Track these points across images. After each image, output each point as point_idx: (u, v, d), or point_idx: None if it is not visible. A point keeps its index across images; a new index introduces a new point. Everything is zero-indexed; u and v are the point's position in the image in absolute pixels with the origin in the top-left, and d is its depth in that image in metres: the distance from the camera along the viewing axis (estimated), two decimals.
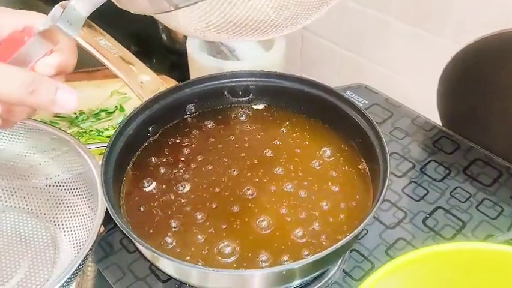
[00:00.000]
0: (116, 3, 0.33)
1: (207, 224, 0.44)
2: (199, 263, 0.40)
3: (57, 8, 0.32)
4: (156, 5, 0.29)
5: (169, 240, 0.43)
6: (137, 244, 0.40)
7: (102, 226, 0.48)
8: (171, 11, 0.29)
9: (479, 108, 0.61)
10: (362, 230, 0.41)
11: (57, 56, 0.34)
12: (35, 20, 0.33)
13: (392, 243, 0.51)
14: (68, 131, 0.60)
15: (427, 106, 0.65)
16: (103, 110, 0.70)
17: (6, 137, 0.56)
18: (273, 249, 0.42)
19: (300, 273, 0.40)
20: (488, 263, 0.37)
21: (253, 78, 0.53)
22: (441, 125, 0.65)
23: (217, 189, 0.47)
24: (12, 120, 0.35)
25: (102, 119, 0.70)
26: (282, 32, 0.35)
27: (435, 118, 0.65)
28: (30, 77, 0.32)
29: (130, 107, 0.70)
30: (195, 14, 0.30)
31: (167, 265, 0.40)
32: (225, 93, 0.54)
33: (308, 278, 0.44)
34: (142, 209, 0.46)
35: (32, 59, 0.33)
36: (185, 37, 0.69)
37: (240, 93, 0.54)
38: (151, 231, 0.44)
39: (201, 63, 0.63)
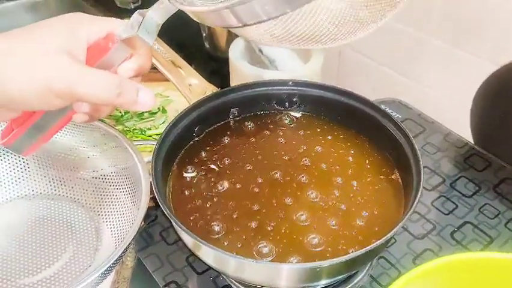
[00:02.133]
0: (191, 16, 0.36)
1: (246, 222, 0.47)
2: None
3: (135, 16, 0.36)
4: (226, 22, 0.32)
5: (209, 232, 0.46)
6: (181, 233, 0.43)
7: (142, 220, 0.51)
8: (239, 27, 0.32)
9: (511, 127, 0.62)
10: (391, 237, 0.43)
11: (136, 60, 0.37)
12: (116, 26, 0.36)
13: (419, 253, 0.53)
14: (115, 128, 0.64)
15: (460, 123, 0.66)
16: (146, 111, 0.74)
17: (61, 130, 0.60)
18: (306, 252, 0.45)
19: (329, 272, 0.42)
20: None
21: (294, 87, 0.56)
22: (473, 142, 0.66)
23: (254, 189, 0.50)
24: (97, 116, 0.39)
25: (145, 119, 0.73)
26: (340, 43, 0.38)
27: (467, 135, 0.66)
28: (117, 81, 0.35)
29: (171, 109, 0.73)
30: (260, 28, 0.33)
31: (208, 254, 0.42)
32: (267, 100, 0.57)
33: (336, 278, 0.46)
34: (185, 203, 0.49)
35: (115, 62, 0.36)
36: (227, 45, 0.72)
37: (281, 100, 0.57)
38: (192, 224, 0.47)
39: (242, 71, 0.66)
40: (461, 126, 0.66)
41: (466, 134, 0.66)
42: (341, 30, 0.35)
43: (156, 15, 0.36)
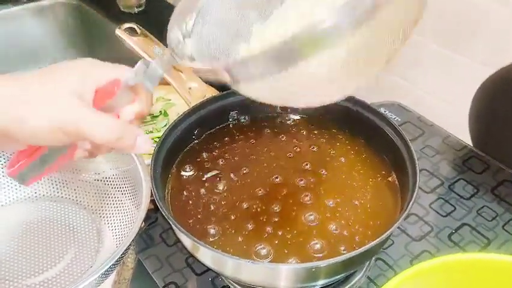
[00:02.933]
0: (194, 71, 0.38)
1: (244, 224, 0.48)
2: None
3: (140, 65, 0.39)
4: (221, 79, 0.35)
5: (207, 234, 0.47)
6: (179, 234, 0.43)
7: (143, 222, 0.52)
8: (231, 84, 0.35)
9: (510, 130, 0.62)
10: (387, 238, 0.43)
11: (138, 105, 0.40)
12: (123, 72, 0.40)
13: (417, 255, 0.53)
14: None
15: (458, 126, 0.67)
16: (148, 114, 0.74)
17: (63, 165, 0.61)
18: (303, 253, 0.45)
19: (326, 272, 0.43)
20: (506, 275, 0.38)
21: None
22: (471, 145, 0.66)
23: (254, 191, 0.51)
24: (96, 154, 0.42)
25: (147, 122, 0.74)
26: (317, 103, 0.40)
27: (466, 139, 0.67)
28: (120, 127, 0.38)
29: (173, 113, 0.74)
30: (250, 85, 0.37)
31: (206, 255, 0.43)
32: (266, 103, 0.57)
33: (334, 279, 0.47)
34: (184, 205, 0.49)
35: (119, 105, 0.39)
36: None
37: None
38: (191, 225, 0.48)
39: None
40: (460, 129, 0.67)
41: (465, 136, 0.67)
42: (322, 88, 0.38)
43: (159, 65, 0.39)
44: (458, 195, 0.59)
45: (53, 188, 0.61)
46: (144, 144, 0.40)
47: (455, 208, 0.58)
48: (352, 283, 0.50)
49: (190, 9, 0.41)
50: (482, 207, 0.58)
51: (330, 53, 0.33)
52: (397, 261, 0.53)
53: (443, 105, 0.69)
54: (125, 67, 0.40)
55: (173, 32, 0.40)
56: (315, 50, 0.33)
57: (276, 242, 0.46)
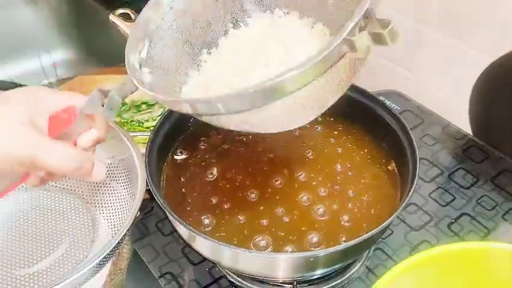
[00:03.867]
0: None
1: (242, 213, 0.47)
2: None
3: (96, 94, 0.38)
4: (182, 110, 0.36)
5: (204, 223, 0.46)
6: (175, 223, 0.43)
7: (138, 211, 0.51)
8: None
9: (510, 119, 0.61)
10: (387, 227, 0.43)
11: (95, 132, 0.40)
12: (76, 100, 0.39)
13: (416, 245, 0.53)
14: None
15: (458, 115, 0.66)
16: (143, 103, 0.73)
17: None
18: (302, 243, 0.44)
19: (324, 262, 0.43)
20: (505, 263, 0.38)
21: None
22: (471, 134, 0.65)
23: (250, 180, 0.50)
24: (48, 181, 0.42)
25: (143, 110, 0.73)
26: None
27: (466, 128, 0.66)
28: (78, 156, 0.37)
29: None
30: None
31: (202, 244, 0.42)
32: None
33: (332, 268, 0.46)
34: (180, 194, 0.49)
35: (75, 133, 0.39)
36: None
37: None
38: (187, 214, 0.47)
39: None
40: (460, 118, 0.66)
41: (465, 125, 0.66)
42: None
43: (118, 94, 0.38)
44: (458, 184, 0.59)
45: None
46: (100, 172, 0.40)
47: (454, 197, 0.57)
48: (351, 273, 0.50)
49: (142, 35, 0.41)
50: (482, 196, 0.57)
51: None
52: (396, 251, 0.52)
53: (443, 94, 0.68)
54: (79, 95, 0.40)
55: (130, 59, 0.39)
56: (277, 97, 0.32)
57: (273, 230, 0.45)
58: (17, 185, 0.40)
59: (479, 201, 0.57)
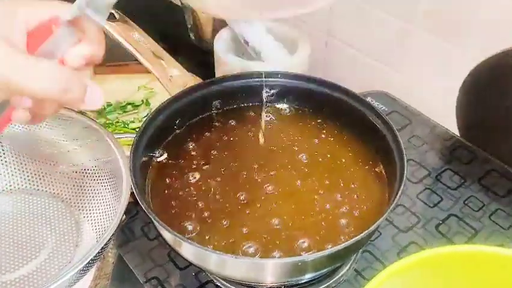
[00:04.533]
0: None
1: (227, 218, 0.46)
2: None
3: None
4: None
5: (189, 228, 0.45)
6: (160, 229, 0.42)
7: (124, 215, 0.50)
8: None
9: (498, 119, 0.61)
10: (375, 230, 0.42)
11: (87, 46, 0.33)
12: (60, 10, 0.32)
13: (404, 247, 0.52)
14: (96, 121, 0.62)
15: (446, 116, 0.66)
16: (129, 103, 0.73)
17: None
18: (289, 247, 0.44)
19: (313, 266, 0.42)
20: (494, 266, 0.38)
21: (278, 79, 0.55)
22: (459, 135, 0.66)
23: (236, 184, 0.49)
24: (42, 114, 0.36)
25: (128, 111, 0.72)
26: (308, 9, 0.35)
27: (453, 129, 0.66)
28: (65, 74, 0.31)
29: (155, 102, 0.72)
30: None
31: (188, 250, 0.41)
32: (251, 91, 0.56)
33: (320, 272, 0.46)
34: (165, 198, 0.48)
35: (60, 49, 0.33)
36: (213, 37, 0.71)
37: (265, 92, 0.56)
38: (172, 218, 0.46)
39: (227, 63, 0.65)
40: (447, 119, 0.66)
41: (452, 126, 0.66)
42: None
43: None
44: (445, 185, 0.59)
45: (29, 180, 0.59)
46: (96, 98, 0.33)
47: (442, 199, 0.57)
48: (339, 276, 0.49)
49: None
50: (469, 197, 0.57)
51: None
52: (384, 253, 0.52)
53: (431, 95, 0.68)
54: (62, 3, 0.33)
55: None
56: None
57: (261, 235, 0.45)
58: (4, 125, 0.34)
59: (466, 202, 0.57)
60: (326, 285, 0.48)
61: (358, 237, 0.39)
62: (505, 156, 0.61)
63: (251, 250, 0.43)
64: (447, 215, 0.55)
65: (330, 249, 0.39)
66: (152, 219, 0.40)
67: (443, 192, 0.58)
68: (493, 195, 0.58)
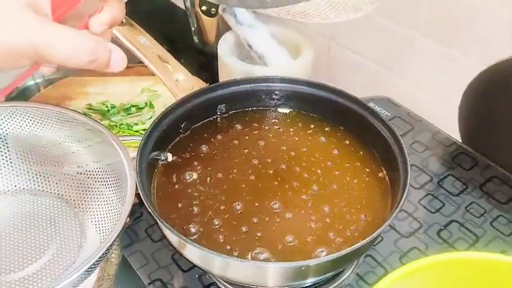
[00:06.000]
0: None
1: (231, 222, 0.47)
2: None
3: None
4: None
5: (193, 230, 0.45)
6: (165, 230, 0.42)
7: (128, 217, 0.51)
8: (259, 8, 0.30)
9: (500, 127, 0.62)
10: (378, 236, 0.43)
11: (109, 12, 0.34)
12: None
13: (406, 252, 0.53)
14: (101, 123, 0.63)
15: (448, 122, 0.66)
16: (133, 106, 0.73)
17: (43, 124, 0.59)
18: (289, 251, 0.44)
19: (315, 271, 0.42)
20: (498, 274, 0.38)
21: (283, 84, 0.56)
22: (460, 141, 0.66)
23: (241, 188, 0.50)
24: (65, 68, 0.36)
25: (132, 113, 0.72)
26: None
27: (455, 135, 0.67)
28: (92, 44, 0.32)
29: (159, 104, 0.72)
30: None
31: (192, 252, 0.42)
32: (255, 96, 0.56)
33: (323, 277, 0.46)
34: (170, 200, 0.48)
35: (84, 15, 0.33)
36: (216, 40, 0.71)
37: (270, 97, 0.57)
38: (176, 221, 0.46)
39: (231, 67, 0.65)
40: (449, 125, 0.66)
41: (454, 132, 0.66)
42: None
43: None
44: (447, 191, 0.59)
45: (34, 181, 0.59)
46: (119, 61, 0.34)
47: (444, 204, 0.58)
48: (341, 280, 0.49)
49: None
50: (471, 203, 0.58)
51: None
52: (386, 258, 0.52)
53: (434, 101, 0.69)
54: None
55: None
56: None
57: (265, 239, 0.45)
58: (31, 73, 0.35)
59: (467, 208, 0.57)
60: None
61: (361, 244, 0.40)
62: (507, 163, 0.61)
63: (257, 253, 0.43)
64: (448, 221, 0.56)
65: (333, 255, 0.39)
66: (157, 220, 0.41)
67: (445, 198, 0.58)
68: (495, 201, 0.58)
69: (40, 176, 0.59)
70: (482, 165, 0.62)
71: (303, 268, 0.39)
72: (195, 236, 0.45)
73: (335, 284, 0.49)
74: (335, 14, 0.43)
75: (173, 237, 0.42)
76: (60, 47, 0.30)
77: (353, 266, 0.51)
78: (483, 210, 0.57)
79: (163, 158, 0.51)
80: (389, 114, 0.68)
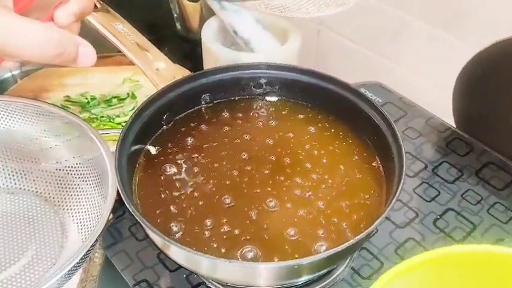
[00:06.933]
0: None
1: (218, 218, 0.44)
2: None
3: None
4: None
5: (177, 227, 0.43)
6: (148, 231, 0.40)
7: (111, 214, 0.48)
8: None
9: (495, 111, 0.60)
10: (373, 230, 0.41)
11: (76, 2, 0.33)
12: None
13: (402, 243, 0.51)
14: (80, 116, 0.60)
15: (441, 107, 0.64)
16: (114, 97, 0.70)
17: (18, 118, 0.56)
18: (281, 247, 0.42)
19: (308, 269, 0.40)
20: (500, 267, 0.37)
21: (269, 71, 0.53)
22: (455, 126, 0.64)
23: (228, 182, 0.47)
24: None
25: (113, 105, 0.69)
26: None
27: (449, 120, 0.65)
28: (56, 36, 0.30)
29: (141, 95, 0.70)
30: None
31: (177, 253, 0.39)
32: (241, 84, 0.53)
33: (316, 274, 0.44)
34: (153, 197, 0.46)
35: (49, 6, 0.32)
36: (200, 26, 0.69)
37: (256, 85, 0.54)
38: (160, 219, 0.44)
39: (215, 54, 0.63)
40: (443, 110, 0.64)
41: (449, 118, 0.65)
42: None
43: None
44: (442, 178, 0.57)
45: (10, 178, 0.56)
46: (89, 56, 0.33)
47: (439, 192, 0.56)
48: (335, 275, 0.48)
49: None
50: (467, 190, 0.56)
51: None
52: (382, 250, 0.50)
53: (427, 86, 0.67)
54: None
55: None
56: None
57: (255, 235, 0.43)
58: None
59: (464, 195, 0.55)
60: (322, 285, 0.47)
61: (356, 240, 0.38)
62: (503, 148, 0.59)
63: (246, 252, 0.41)
64: (444, 210, 0.54)
65: (326, 252, 0.37)
66: (140, 221, 0.38)
67: (440, 186, 0.56)
68: (491, 188, 0.56)
69: (17, 173, 0.56)
70: (477, 151, 0.60)
71: (296, 267, 0.37)
72: (179, 234, 0.43)
73: (329, 280, 0.47)
74: (316, 8, 0.41)
75: (156, 238, 0.40)
76: (23, 40, 0.29)
77: (347, 260, 0.49)
78: (479, 198, 0.55)
79: (144, 151, 0.48)
80: (380, 100, 0.65)
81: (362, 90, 0.65)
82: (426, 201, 0.55)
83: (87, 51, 0.33)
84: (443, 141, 0.61)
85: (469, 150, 0.60)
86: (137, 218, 0.38)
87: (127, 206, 0.39)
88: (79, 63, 0.33)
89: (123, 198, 0.40)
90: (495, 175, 0.57)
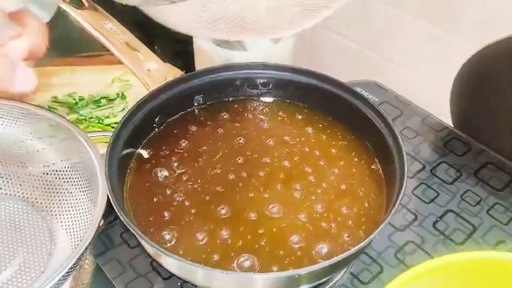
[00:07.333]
0: None
1: (213, 224, 0.43)
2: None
3: None
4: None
5: (171, 235, 0.41)
6: (141, 240, 0.38)
7: (101, 219, 0.47)
8: (164, 4, 0.28)
9: (493, 111, 0.59)
10: (374, 237, 0.39)
11: (27, 40, 0.32)
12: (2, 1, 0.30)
13: (402, 246, 0.50)
14: (67, 118, 0.58)
15: (438, 106, 0.63)
16: (103, 97, 0.68)
17: (3, 121, 0.54)
18: (280, 255, 0.41)
19: (308, 278, 0.39)
20: (506, 273, 0.36)
21: (263, 71, 0.52)
22: (452, 125, 0.63)
23: (223, 187, 0.46)
24: None
25: (102, 106, 0.67)
26: (280, 34, 0.34)
27: (447, 119, 0.64)
28: None
29: (131, 95, 0.68)
30: (186, 10, 0.29)
31: (171, 263, 0.38)
32: (235, 85, 0.52)
33: (316, 283, 0.43)
34: (145, 203, 0.44)
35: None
36: None
37: (250, 85, 0.52)
38: (152, 227, 0.42)
39: (208, 53, 0.61)
40: (440, 109, 0.63)
41: (446, 117, 0.64)
42: (277, 16, 0.31)
43: None
44: (441, 179, 0.56)
45: None
46: (27, 79, 0.32)
47: (438, 194, 0.55)
48: (335, 281, 0.46)
49: None
50: (466, 191, 0.55)
51: None
52: (381, 253, 0.49)
53: (423, 84, 0.66)
54: None
55: None
56: None
57: (252, 243, 0.41)
58: None
59: (463, 196, 0.54)
60: None
61: (356, 248, 0.37)
62: (501, 148, 0.58)
63: (243, 261, 0.40)
64: (444, 211, 0.53)
65: (327, 262, 0.36)
66: (130, 229, 0.37)
67: (438, 187, 0.55)
68: (490, 188, 0.55)
69: (2, 177, 0.54)
70: (475, 151, 0.59)
71: (296, 277, 0.36)
72: (172, 242, 0.41)
73: (329, 285, 0.46)
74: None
75: (150, 248, 0.38)
76: None
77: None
78: (479, 198, 0.54)
79: (136, 154, 0.47)
80: (376, 99, 0.64)
81: (358, 89, 0.64)
82: (426, 202, 0.54)
83: (26, 75, 0.32)
84: (441, 141, 0.60)
85: (467, 149, 0.59)
86: (129, 227, 0.36)
87: (118, 215, 0.37)
88: (17, 87, 0.32)
89: (114, 207, 0.38)
90: (494, 175, 0.57)
